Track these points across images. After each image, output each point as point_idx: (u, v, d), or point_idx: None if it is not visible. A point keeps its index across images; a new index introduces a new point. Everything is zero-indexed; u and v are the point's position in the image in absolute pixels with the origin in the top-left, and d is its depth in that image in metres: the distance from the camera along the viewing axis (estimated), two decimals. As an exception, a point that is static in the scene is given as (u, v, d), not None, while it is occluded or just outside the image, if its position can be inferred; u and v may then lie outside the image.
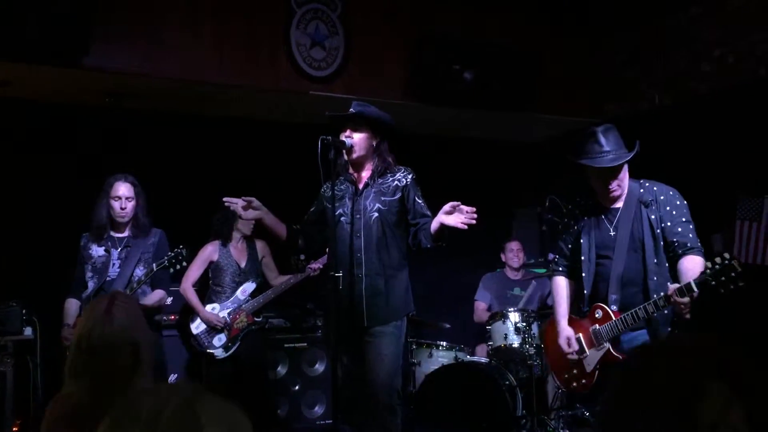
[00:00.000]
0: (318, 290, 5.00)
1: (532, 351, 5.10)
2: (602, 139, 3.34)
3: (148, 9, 5.06)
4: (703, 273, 3.08)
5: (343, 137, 3.57)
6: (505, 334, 5.20)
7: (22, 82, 5.10)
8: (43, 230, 5.19)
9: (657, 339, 3.21)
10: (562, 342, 3.53)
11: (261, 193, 3.63)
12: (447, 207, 3.30)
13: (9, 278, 4.86)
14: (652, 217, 3.34)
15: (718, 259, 3.05)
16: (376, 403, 3.47)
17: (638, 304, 3.29)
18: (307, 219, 3.81)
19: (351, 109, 3.62)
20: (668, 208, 3.34)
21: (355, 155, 3.60)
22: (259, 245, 5.34)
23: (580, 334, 3.51)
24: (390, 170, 3.64)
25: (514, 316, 5.23)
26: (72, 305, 4.09)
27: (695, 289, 3.07)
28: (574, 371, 3.56)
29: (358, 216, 3.57)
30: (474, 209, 3.26)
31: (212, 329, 5.09)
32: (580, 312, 3.55)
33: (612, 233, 3.42)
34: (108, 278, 4.07)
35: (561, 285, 3.66)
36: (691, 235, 3.31)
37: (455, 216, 3.27)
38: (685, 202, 3.38)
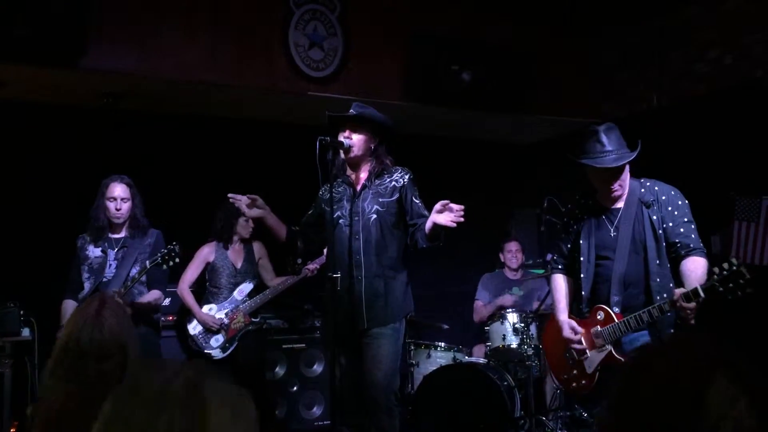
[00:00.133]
0: (316, 291, 4.99)
1: (530, 351, 5.11)
2: (604, 139, 3.31)
3: (145, 9, 5.05)
4: (710, 278, 3.04)
5: (341, 138, 3.57)
6: (504, 335, 5.21)
7: (18, 83, 5.09)
8: (41, 231, 5.18)
9: (660, 338, 3.20)
10: (566, 332, 3.48)
11: (259, 194, 3.62)
12: (437, 206, 3.30)
13: (7, 279, 4.84)
14: (654, 217, 3.31)
15: (726, 265, 3.00)
16: (374, 404, 3.46)
17: (640, 306, 3.27)
18: (306, 221, 3.81)
19: (351, 111, 3.62)
20: (670, 209, 3.32)
21: (353, 156, 3.60)
22: (256, 246, 5.34)
23: (581, 336, 3.49)
24: (387, 171, 3.64)
25: (512, 317, 5.24)
26: (69, 306, 4.08)
27: (702, 294, 3.03)
28: (574, 372, 3.53)
29: (356, 218, 3.57)
30: (462, 207, 3.25)
31: (209, 330, 5.09)
32: (579, 313, 3.52)
33: (613, 234, 3.39)
34: (104, 279, 4.06)
35: (560, 282, 3.63)
36: (693, 236, 3.29)
37: (445, 215, 3.27)
38: (687, 201, 3.36)
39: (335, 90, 5.60)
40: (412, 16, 5.91)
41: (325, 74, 5.58)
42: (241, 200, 3.52)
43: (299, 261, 5.29)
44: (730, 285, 2.98)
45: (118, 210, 4.09)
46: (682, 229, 3.29)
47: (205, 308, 5.13)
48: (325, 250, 4.75)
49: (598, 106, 6.59)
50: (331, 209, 3.52)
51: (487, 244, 6.55)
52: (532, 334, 5.15)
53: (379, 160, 3.64)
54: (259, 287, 5.30)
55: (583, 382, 3.50)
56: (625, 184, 3.38)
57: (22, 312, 4.71)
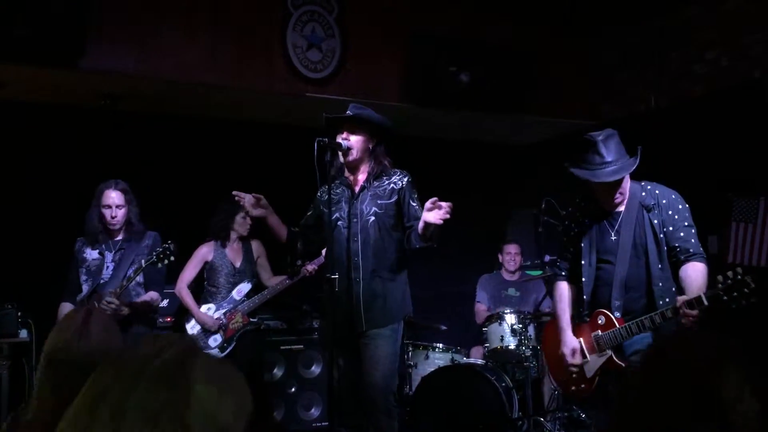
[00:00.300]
0: (314, 292, 4.99)
1: (528, 353, 5.11)
2: (603, 149, 3.25)
3: (144, 10, 5.05)
4: (715, 286, 3.02)
5: (339, 139, 3.56)
6: (502, 336, 5.20)
7: (18, 83, 5.09)
8: (39, 233, 5.18)
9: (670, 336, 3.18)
10: (567, 353, 3.46)
11: (258, 195, 3.63)
12: (428, 204, 3.30)
13: (5, 280, 4.84)
14: (655, 221, 3.29)
15: (730, 274, 2.98)
16: (372, 405, 3.47)
17: (641, 309, 3.26)
18: (305, 222, 3.82)
19: (348, 112, 3.62)
20: (670, 212, 3.30)
21: (351, 158, 3.59)
22: (255, 245, 5.34)
23: (581, 339, 3.47)
24: (386, 173, 3.64)
25: (510, 318, 5.24)
26: (67, 309, 4.06)
27: (706, 302, 3.00)
28: (574, 375, 3.51)
29: (354, 219, 3.57)
30: (450, 204, 3.25)
31: (207, 330, 5.09)
32: (580, 317, 3.50)
33: (614, 238, 3.36)
34: (101, 281, 4.06)
35: (564, 291, 3.58)
36: (693, 240, 3.27)
37: (434, 212, 3.27)
38: (687, 205, 3.34)
39: (333, 91, 5.60)
40: (411, 16, 5.90)
41: (323, 75, 5.58)
42: (246, 198, 3.53)
43: (298, 262, 5.29)
44: (735, 294, 2.96)
45: (113, 218, 4.08)
46: (681, 233, 3.27)
47: (204, 308, 5.13)
48: (323, 251, 4.75)
49: (597, 107, 6.60)
50: (329, 210, 3.52)
51: (485, 245, 6.55)
52: (530, 335, 5.15)
53: (378, 161, 3.64)
54: (257, 287, 5.31)
55: (583, 386, 3.49)
56: (625, 191, 3.34)
57: (19, 313, 4.72)
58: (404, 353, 5.20)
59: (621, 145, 3.32)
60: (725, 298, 2.97)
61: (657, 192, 3.36)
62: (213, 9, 5.28)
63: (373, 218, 3.55)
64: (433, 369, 5.13)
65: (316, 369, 5.79)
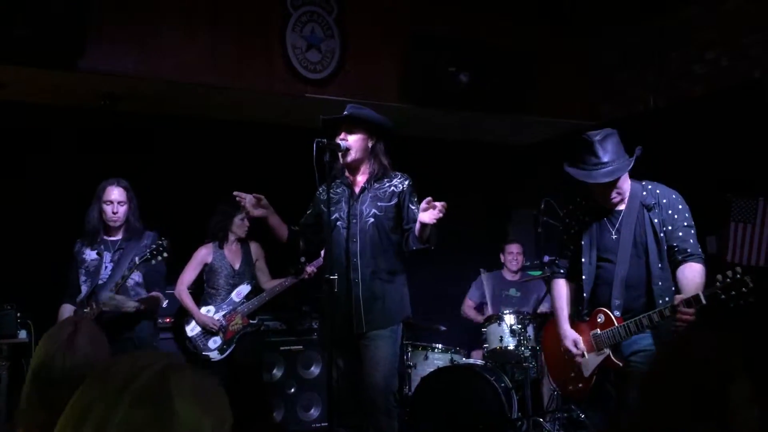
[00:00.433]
0: (314, 293, 4.99)
1: (527, 353, 5.10)
2: (599, 150, 3.25)
3: (143, 10, 5.05)
4: (713, 285, 3.02)
5: (338, 140, 3.57)
6: (501, 337, 5.20)
7: (18, 84, 5.09)
8: (39, 233, 5.18)
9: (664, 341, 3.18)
10: (569, 344, 3.46)
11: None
12: (423, 204, 3.30)
13: (4, 281, 4.85)
14: (655, 220, 3.30)
15: (729, 273, 2.99)
16: (372, 405, 3.47)
17: (641, 308, 3.26)
18: (305, 221, 3.82)
19: (345, 112, 3.62)
20: (670, 212, 3.30)
21: (350, 158, 3.59)
22: (253, 247, 5.34)
23: (580, 338, 3.47)
24: (387, 175, 3.64)
25: (509, 319, 5.24)
26: (66, 310, 4.07)
27: (704, 301, 3.01)
28: (572, 375, 3.52)
29: (354, 220, 3.57)
30: (444, 204, 3.25)
31: (207, 332, 5.09)
32: (579, 315, 3.50)
33: (614, 236, 3.37)
34: (100, 281, 4.06)
35: (562, 289, 3.59)
36: (692, 241, 3.27)
37: (429, 212, 3.27)
38: (687, 206, 3.34)
39: (333, 92, 5.60)
40: (411, 16, 5.90)
41: (322, 76, 5.58)
42: (246, 199, 3.53)
43: (303, 260, 5.28)
44: (733, 293, 2.97)
45: (114, 213, 4.09)
46: (680, 233, 3.27)
47: (203, 310, 5.13)
48: (322, 252, 4.75)
49: (597, 107, 6.60)
50: (328, 210, 3.52)
51: (485, 245, 6.55)
52: (529, 336, 5.15)
53: (378, 161, 3.64)
54: (256, 289, 5.31)
55: (580, 385, 3.50)
56: (623, 190, 3.35)
57: (19, 314, 4.72)
58: (404, 354, 5.20)
59: (620, 145, 3.32)
60: (723, 296, 2.99)
61: (658, 191, 3.37)
62: (213, 9, 5.28)
63: (372, 220, 3.55)
64: (432, 369, 5.13)
65: (315, 370, 5.80)
